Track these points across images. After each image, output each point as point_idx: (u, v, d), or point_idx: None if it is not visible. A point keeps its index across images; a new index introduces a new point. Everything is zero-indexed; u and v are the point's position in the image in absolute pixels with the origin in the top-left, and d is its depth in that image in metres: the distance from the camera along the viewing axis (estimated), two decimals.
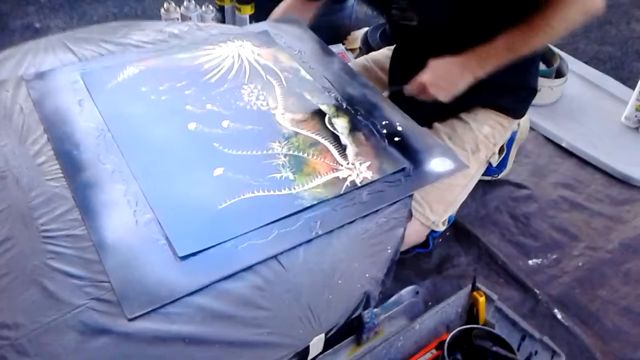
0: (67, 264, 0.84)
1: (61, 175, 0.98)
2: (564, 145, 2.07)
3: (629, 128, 2.20)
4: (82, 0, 2.86)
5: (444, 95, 1.18)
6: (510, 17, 1.14)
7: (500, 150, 1.44)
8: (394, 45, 1.47)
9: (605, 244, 1.73)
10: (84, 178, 0.97)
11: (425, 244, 1.51)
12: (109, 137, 1.06)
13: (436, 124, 1.35)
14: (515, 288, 1.58)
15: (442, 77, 1.18)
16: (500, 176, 1.87)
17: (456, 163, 1.07)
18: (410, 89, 1.20)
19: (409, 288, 1.32)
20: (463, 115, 1.36)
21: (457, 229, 1.68)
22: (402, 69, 1.36)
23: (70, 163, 1.00)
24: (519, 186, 1.88)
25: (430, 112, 1.30)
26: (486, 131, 1.32)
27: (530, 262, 1.65)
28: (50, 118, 1.09)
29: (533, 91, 1.40)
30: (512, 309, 1.25)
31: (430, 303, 1.48)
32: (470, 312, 1.26)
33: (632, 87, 2.23)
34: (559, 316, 1.51)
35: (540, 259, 1.66)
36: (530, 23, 1.12)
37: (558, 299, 1.55)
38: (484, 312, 1.25)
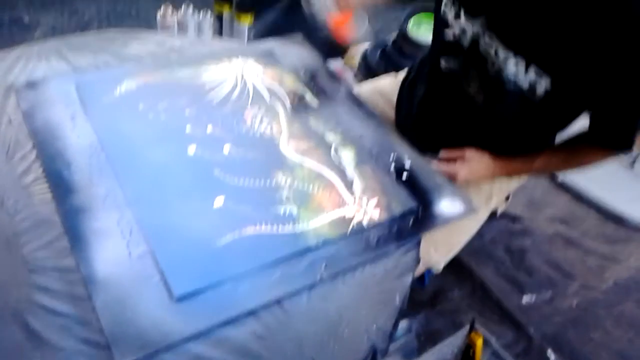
0: (53, 299, 0.78)
1: (50, 197, 0.91)
2: (559, 180, 2.05)
3: (623, 166, 2.20)
4: (72, 4, 2.78)
5: (462, 181, 1.14)
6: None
7: (507, 198, 1.40)
8: (406, 77, 1.40)
9: (600, 283, 1.72)
10: (74, 202, 0.91)
11: (421, 279, 1.47)
12: (103, 158, 0.99)
13: None
14: (509, 326, 1.55)
15: (472, 173, 1.15)
16: (500, 211, 1.84)
17: (466, 206, 1.03)
18: (438, 164, 1.14)
19: (403, 323, 1.28)
20: None
21: (451, 262, 1.64)
22: (424, 114, 1.30)
23: (61, 184, 0.94)
24: (515, 219, 1.86)
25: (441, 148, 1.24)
26: (502, 181, 1.28)
27: (524, 298, 1.63)
28: (41, 132, 1.03)
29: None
30: (506, 348, 1.22)
31: (423, 338, 1.44)
32: (466, 353, 1.23)
33: None
34: (552, 357, 1.48)
35: (534, 296, 1.64)
36: (569, 158, 1.16)
37: (552, 339, 1.53)
38: (480, 354, 1.21)
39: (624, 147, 1.06)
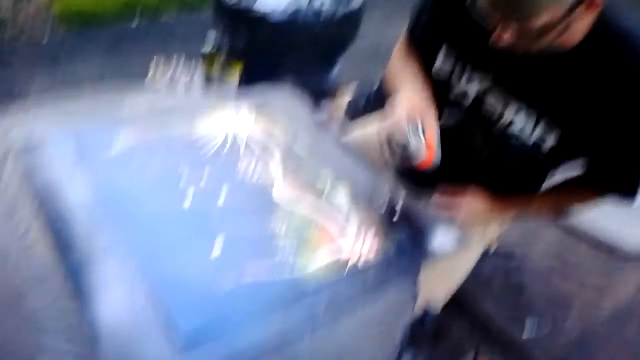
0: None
1: (52, 254, 0.93)
2: None
3: None
4: (66, 63, 2.86)
5: (462, 221, 1.17)
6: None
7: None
8: None
9: (598, 313, 1.73)
10: (76, 257, 0.93)
11: (421, 321, 1.47)
12: (102, 213, 1.02)
13: None
14: None
15: (472, 214, 1.18)
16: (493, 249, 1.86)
17: (460, 242, 1.05)
18: (438, 205, 1.16)
19: None
20: None
21: (451, 298, 1.65)
22: None
23: (62, 241, 0.95)
24: (509, 256, 1.88)
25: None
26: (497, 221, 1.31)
27: (525, 332, 1.63)
28: (41, 192, 1.05)
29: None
30: None
31: None
32: None
33: None
34: None
35: (534, 330, 1.64)
36: (565, 199, 1.20)
37: None
38: None
39: (629, 191, 1.09)
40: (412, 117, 1.02)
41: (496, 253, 1.85)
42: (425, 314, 1.46)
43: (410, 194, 1.16)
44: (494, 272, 1.80)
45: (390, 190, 1.16)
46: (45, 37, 3.10)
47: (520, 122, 1.06)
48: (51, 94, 2.57)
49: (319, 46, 2.29)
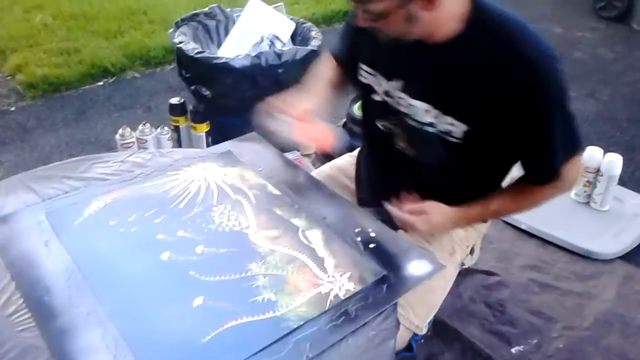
0: None
1: (33, 324, 0.93)
2: (523, 227, 2.13)
3: (580, 203, 2.30)
4: (33, 132, 2.86)
5: (422, 233, 1.24)
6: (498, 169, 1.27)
7: (471, 251, 1.46)
8: (361, 151, 1.50)
9: (581, 321, 1.76)
10: (58, 325, 0.93)
11: (408, 347, 1.48)
12: (80, 278, 1.02)
13: None
14: None
15: (432, 226, 1.22)
16: (468, 265, 1.89)
17: (434, 264, 1.08)
18: (399, 218, 1.20)
19: None
20: None
21: (437, 325, 1.67)
22: (374, 177, 1.42)
23: (42, 310, 0.96)
24: (489, 273, 1.91)
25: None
26: (460, 233, 1.35)
27: (513, 350, 1.65)
28: (17, 263, 1.06)
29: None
30: None
31: None
32: None
33: None
34: None
35: (522, 346, 1.66)
36: (519, 198, 1.24)
37: None
38: None
39: (551, 180, 1.16)
40: (285, 111, 1.23)
41: (475, 270, 1.88)
42: (413, 336, 1.47)
43: (378, 212, 1.20)
44: (475, 293, 1.83)
45: (362, 221, 1.19)
46: (12, 105, 3.11)
47: (431, 117, 1.15)
48: (21, 161, 2.57)
49: (282, 87, 2.36)
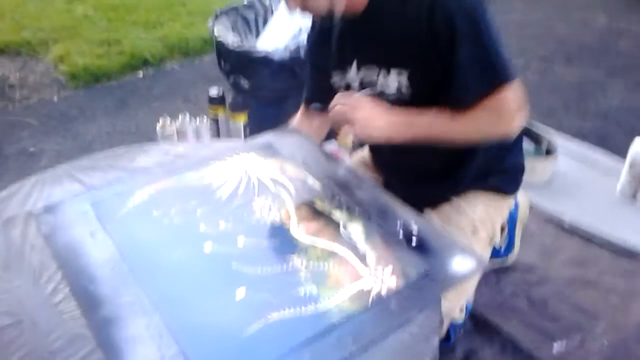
0: None
1: (80, 313, 0.95)
2: (566, 226, 2.08)
3: (626, 197, 2.24)
4: (75, 121, 2.92)
5: (360, 123, 1.22)
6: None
7: (502, 230, 1.43)
8: None
9: (626, 319, 1.71)
10: (103, 314, 0.94)
11: (446, 337, 1.47)
12: (125, 268, 1.04)
13: (429, 212, 1.37)
14: None
15: (367, 118, 1.22)
16: (510, 261, 1.86)
17: (477, 260, 1.06)
18: (332, 114, 1.25)
19: None
20: (454, 200, 1.39)
21: (477, 320, 1.65)
22: (377, 161, 1.54)
23: (88, 299, 0.97)
24: (530, 268, 1.87)
25: (421, 198, 1.30)
26: (480, 212, 1.34)
27: (555, 346, 1.61)
28: (63, 253, 1.08)
29: (520, 168, 1.45)
30: None
31: None
32: None
33: (620, 156, 2.29)
34: None
35: (565, 343, 1.62)
36: (457, 116, 1.20)
37: None
38: None
39: (508, 77, 1.15)
40: None
41: (515, 268, 1.85)
42: (450, 327, 1.46)
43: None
44: (516, 288, 1.79)
45: (403, 214, 1.17)
46: (54, 95, 3.18)
47: (382, 78, 1.26)
48: (63, 150, 2.63)
49: None
